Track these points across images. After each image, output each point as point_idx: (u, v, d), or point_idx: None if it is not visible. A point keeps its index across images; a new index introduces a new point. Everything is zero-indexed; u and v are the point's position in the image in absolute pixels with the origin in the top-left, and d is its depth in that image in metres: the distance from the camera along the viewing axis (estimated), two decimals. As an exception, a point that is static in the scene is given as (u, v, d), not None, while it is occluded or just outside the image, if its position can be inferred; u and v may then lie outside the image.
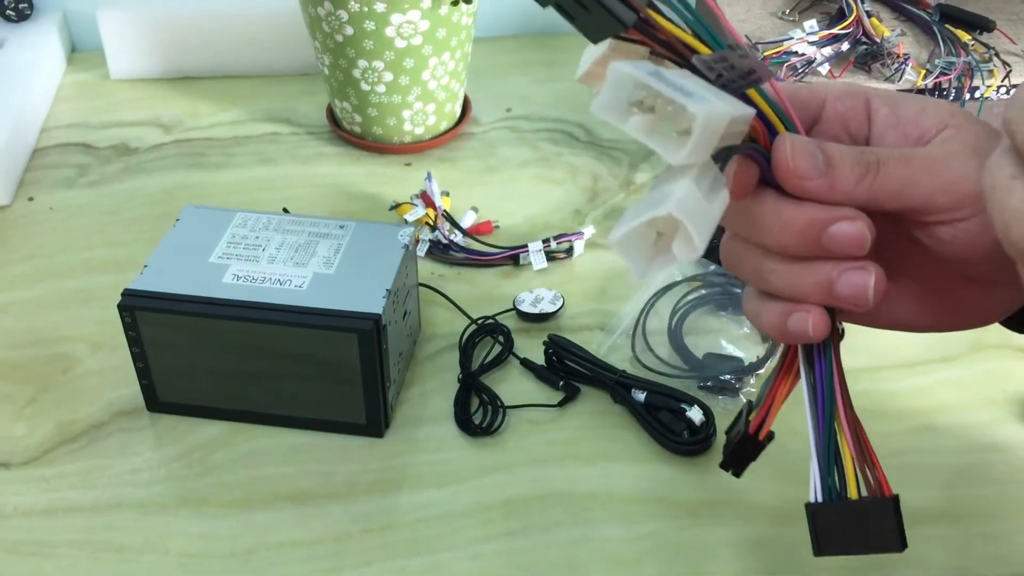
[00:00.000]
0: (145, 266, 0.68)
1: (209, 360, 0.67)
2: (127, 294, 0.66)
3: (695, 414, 0.67)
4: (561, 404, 0.71)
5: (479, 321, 0.77)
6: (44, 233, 0.88)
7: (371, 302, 0.66)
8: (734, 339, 0.75)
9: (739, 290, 0.78)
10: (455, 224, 0.84)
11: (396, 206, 0.87)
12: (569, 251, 0.84)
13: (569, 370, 0.73)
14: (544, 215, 0.90)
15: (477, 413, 0.71)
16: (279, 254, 0.69)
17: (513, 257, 0.84)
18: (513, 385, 0.73)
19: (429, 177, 0.87)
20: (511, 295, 0.80)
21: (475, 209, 0.88)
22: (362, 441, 0.69)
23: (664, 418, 0.68)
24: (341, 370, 0.66)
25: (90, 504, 0.65)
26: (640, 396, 0.69)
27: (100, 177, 0.95)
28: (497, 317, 0.78)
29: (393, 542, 0.63)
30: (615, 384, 0.70)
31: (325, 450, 0.69)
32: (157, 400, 0.70)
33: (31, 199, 0.92)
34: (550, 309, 0.78)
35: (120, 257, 0.85)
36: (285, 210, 0.86)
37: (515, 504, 0.65)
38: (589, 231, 0.84)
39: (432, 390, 0.73)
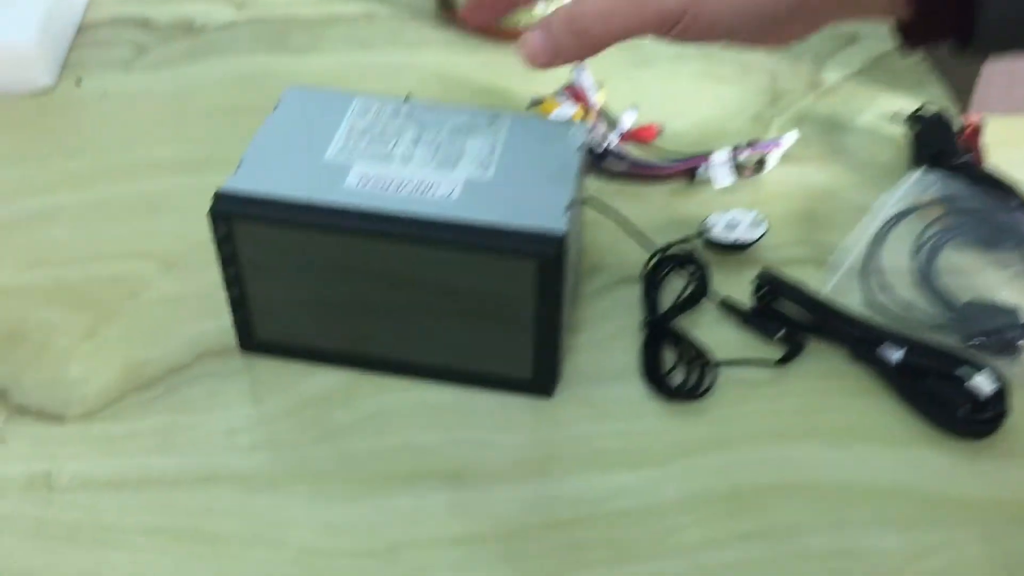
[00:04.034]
0: (241, 162, 0.51)
1: (326, 288, 0.51)
2: (223, 197, 0.49)
3: (983, 382, 0.50)
4: (783, 361, 0.55)
5: (666, 250, 0.59)
6: (97, 123, 0.71)
7: (550, 217, 0.48)
8: (1002, 284, 0.58)
9: (1006, 218, 0.60)
10: (618, 127, 0.67)
11: (538, 103, 0.69)
12: (759, 165, 0.66)
13: (784, 317, 0.56)
14: (716, 120, 0.72)
15: (674, 370, 0.54)
16: (416, 152, 0.52)
17: (689, 171, 0.66)
18: (708, 334, 0.56)
19: (582, 67, 0.69)
20: (685, 219, 0.63)
21: (635, 108, 0.70)
22: (525, 402, 0.53)
23: (932, 386, 0.51)
24: (506, 307, 0.49)
25: (173, 475, 0.49)
26: (895, 354, 0.52)
27: (162, 59, 0.77)
28: (675, 246, 0.60)
29: (584, 543, 0.47)
30: (858, 338, 0.54)
31: (479, 413, 0.52)
32: (254, 338, 0.54)
33: (79, 82, 0.75)
34: (750, 237, 0.60)
35: (194, 155, 0.68)
36: (408, 98, 0.68)
37: (743, 497, 0.49)
38: (790, 138, 0.66)
39: (606, 337, 0.56)
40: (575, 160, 0.52)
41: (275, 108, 0.54)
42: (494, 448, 0.51)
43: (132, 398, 0.53)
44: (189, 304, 0.57)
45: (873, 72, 0.77)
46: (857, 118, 0.72)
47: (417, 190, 0.50)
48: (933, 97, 0.74)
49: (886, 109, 0.73)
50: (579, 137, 0.53)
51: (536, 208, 0.49)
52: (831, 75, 0.77)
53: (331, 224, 0.48)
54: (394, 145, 0.52)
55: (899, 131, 0.71)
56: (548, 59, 0.46)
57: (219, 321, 0.56)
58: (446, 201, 0.49)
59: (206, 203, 0.64)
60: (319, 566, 0.46)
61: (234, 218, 0.48)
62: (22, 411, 0.52)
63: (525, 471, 0.49)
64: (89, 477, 0.49)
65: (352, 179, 0.50)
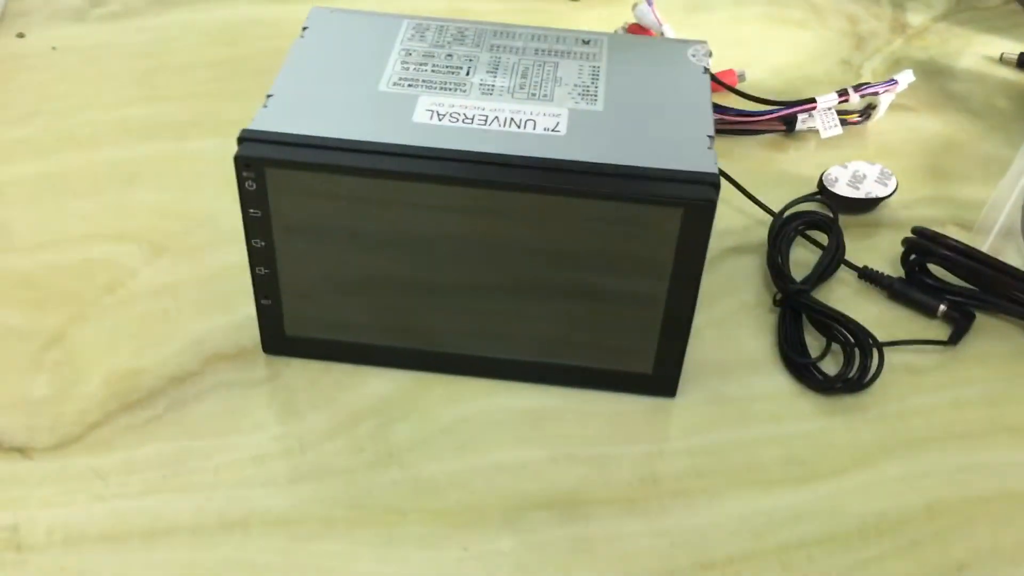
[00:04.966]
0: (269, 96, 0.39)
1: (385, 261, 0.38)
2: (249, 138, 0.36)
3: None
4: (954, 340, 0.44)
5: (791, 211, 0.48)
6: (49, 82, 0.57)
7: (692, 154, 0.37)
8: None
9: None
10: (698, 68, 0.56)
11: (596, 44, 0.58)
12: (866, 113, 0.56)
13: (943, 287, 0.46)
14: (797, 66, 0.61)
15: (825, 355, 0.43)
16: (498, 80, 0.40)
17: (787, 119, 0.55)
18: (846, 309, 0.45)
19: (647, 1, 0.58)
20: (788, 176, 0.52)
21: (710, 52, 0.59)
22: (644, 404, 0.41)
23: None
24: (631, 275, 0.38)
25: (190, 521, 0.36)
26: (1097, 326, 0.42)
27: (123, 8, 0.64)
28: (796, 205, 0.49)
29: (759, 588, 0.35)
30: (1046, 307, 0.43)
31: (587, 420, 0.40)
32: (283, 335, 0.41)
33: (21, 35, 0.61)
34: (882, 192, 0.50)
35: (173, 117, 0.55)
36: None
37: (945, 515, 0.37)
38: (906, 78, 0.55)
39: (727, 318, 0.45)
40: (704, 84, 0.40)
41: (302, 31, 0.42)
42: (613, 465, 0.39)
43: (122, 419, 0.39)
44: (188, 295, 0.44)
45: (960, 14, 0.67)
46: (958, 61, 0.62)
47: (509, 125, 0.38)
48: (1033, 38, 0.64)
49: (986, 51, 0.63)
50: (703, 57, 0.42)
51: (671, 144, 0.37)
52: (915, 17, 0.67)
53: (397, 170, 0.36)
54: (468, 72, 0.40)
55: (1011, 74, 0.61)
56: None
57: (231, 315, 0.43)
58: (551, 139, 0.37)
59: (194, 172, 0.51)
60: (406, 639, 0.33)
61: (268, 165, 0.36)
62: (-29, 443, 0.39)
63: (660, 494, 0.38)
64: (73, 529, 0.36)
65: (420, 113, 0.38)
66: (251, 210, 0.37)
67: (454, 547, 0.36)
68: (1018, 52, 0.61)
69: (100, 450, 0.38)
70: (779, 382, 0.42)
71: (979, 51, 0.63)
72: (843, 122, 0.55)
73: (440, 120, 0.38)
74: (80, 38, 0.61)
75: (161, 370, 0.41)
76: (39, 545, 0.35)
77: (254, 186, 0.36)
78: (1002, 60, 0.61)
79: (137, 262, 0.46)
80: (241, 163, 0.35)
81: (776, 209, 0.49)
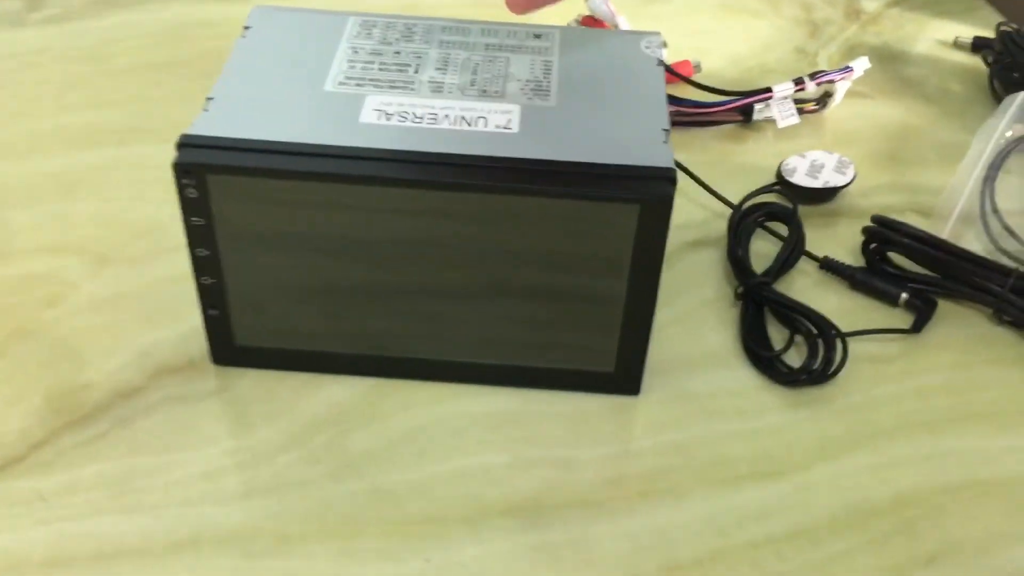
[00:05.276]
0: (209, 99, 0.37)
1: (336, 267, 0.37)
2: (188, 143, 0.35)
3: None
4: (917, 328, 0.44)
5: (750, 203, 0.48)
6: (-16, 88, 0.56)
7: (648, 149, 0.36)
8: None
9: None
10: (653, 60, 0.55)
11: (549, 37, 0.57)
12: (823, 101, 0.56)
13: (904, 275, 0.45)
14: (753, 55, 0.61)
15: (789, 348, 0.42)
16: (448, 77, 0.39)
17: (744, 109, 0.55)
18: (808, 301, 0.44)
19: (599, -9, 0.57)
20: (747, 167, 0.52)
21: (664, 43, 0.58)
22: (606, 404, 0.40)
23: (1115, 344, 0.41)
24: (589, 274, 0.37)
25: (137, 542, 0.35)
26: (1057, 310, 0.42)
27: (62, 11, 0.62)
28: (755, 197, 0.49)
29: (728, 588, 0.35)
30: (1005, 294, 0.43)
31: (549, 422, 0.39)
32: (232, 344, 0.40)
33: (-45, 41, 0.59)
34: (840, 181, 0.49)
35: (112, 123, 0.53)
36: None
37: (913, 505, 0.37)
38: (862, 65, 0.55)
39: (688, 313, 0.44)
40: (658, 76, 0.40)
41: (244, 31, 0.41)
42: (576, 468, 0.38)
43: (66, 438, 0.38)
44: (132, 307, 0.43)
45: (913, -1, 0.67)
46: (913, 47, 0.62)
47: (460, 124, 0.37)
48: (985, 21, 0.64)
49: (940, 36, 0.63)
50: (657, 49, 0.41)
51: (625, 139, 0.36)
52: (869, 3, 0.66)
53: (345, 172, 0.34)
54: (417, 70, 0.39)
55: (965, 58, 0.61)
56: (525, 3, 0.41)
57: (178, 326, 0.41)
58: (503, 136, 0.36)
59: (137, 180, 0.50)
60: (367, 657, 0.32)
61: (208, 172, 0.34)
62: (-94, 468, 0.37)
63: (625, 495, 0.37)
64: (14, 555, 0.34)
65: (368, 113, 0.37)
66: (193, 218, 0.35)
67: (415, 558, 0.35)
68: (972, 36, 0.61)
69: (43, 471, 0.37)
70: (743, 376, 0.41)
71: (933, 36, 0.63)
72: (800, 111, 0.55)
73: (388, 120, 0.36)
74: (17, 43, 0.59)
75: (106, 385, 0.39)
76: (-21, 574, 0.34)
77: (195, 193, 0.35)
78: (956, 44, 0.61)
79: (78, 275, 0.44)
80: (180, 170, 0.34)
81: (735, 201, 0.48)
